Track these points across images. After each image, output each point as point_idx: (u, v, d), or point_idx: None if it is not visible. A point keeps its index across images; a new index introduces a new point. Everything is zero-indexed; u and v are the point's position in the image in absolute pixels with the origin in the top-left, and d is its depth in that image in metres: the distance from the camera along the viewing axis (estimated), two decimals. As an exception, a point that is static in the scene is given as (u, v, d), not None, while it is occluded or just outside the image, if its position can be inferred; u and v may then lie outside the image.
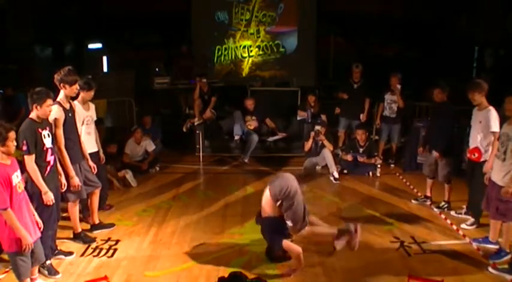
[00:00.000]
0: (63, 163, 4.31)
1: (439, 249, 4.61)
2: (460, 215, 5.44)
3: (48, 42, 10.54)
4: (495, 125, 4.73)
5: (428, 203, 5.86)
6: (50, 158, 4.04)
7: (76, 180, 4.40)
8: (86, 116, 4.97)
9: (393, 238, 4.87)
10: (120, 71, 10.07)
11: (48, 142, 4.00)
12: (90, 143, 5.03)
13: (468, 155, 5.14)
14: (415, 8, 10.40)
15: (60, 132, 4.28)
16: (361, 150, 7.19)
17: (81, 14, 10.10)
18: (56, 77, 4.33)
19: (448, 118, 5.56)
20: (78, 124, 4.74)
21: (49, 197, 3.95)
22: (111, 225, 5.16)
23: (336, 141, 7.90)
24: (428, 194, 5.93)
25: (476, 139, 4.99)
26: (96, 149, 5.18)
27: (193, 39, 11.06)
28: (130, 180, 6.64)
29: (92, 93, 5.00)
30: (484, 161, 4.88)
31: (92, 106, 5.15)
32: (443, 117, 5.61)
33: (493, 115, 4.78)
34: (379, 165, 7.17)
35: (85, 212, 5.18)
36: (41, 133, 3.92)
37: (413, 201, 5.99)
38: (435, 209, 5.68)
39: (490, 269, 4.19)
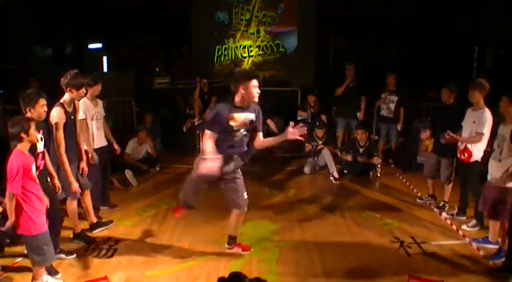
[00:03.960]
0: (62, 167, 4.30)
1: (439, 249, 4.60)
2: (452, 217, 5.40)
3: (48, 42, 10.53)
4: (485, 128, 4.77)
5: (433, 201, 5.83)
6: (41, 162, 3.94)
7: (75, 186, 4.44)
8: (95, 112, 5.16)
9: (393, 238, 4.87)
10: (120, 71, 10.06)
11: (40, 146, 3.90)
12: (100, 137, 5.23)
13: (458, 155, 5.15)
14: (415, 8, 10.40)
15: (60, 135, 4.26)
16: (361, 150, 7.19)
17: (81, 14, 10.10)
18: (63, 80, 4.36)
19: (456, 120, 5.32)
20: (89, 121, 5.02)
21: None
22: (110, 222, 5.17)
23: (335, 141, 7.91)
24: (432, 192, 5.91)
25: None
26: (106, 143, 5.38)
27: (193, 39, 11.06)
28: (130, 179, 6.65)
29: (98, 87, 5.15)
30: (475, 162, 4.94)
31: (100, 102, 5.33)
32: (450, 119, 5.42)
33: (487, 117, 4.79)
34: (379, 165, 7.17)
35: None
36: None
37: (418, 200, 5.99)
38: (435, 209, 5.68)
39: (489, 269, 4.18)
